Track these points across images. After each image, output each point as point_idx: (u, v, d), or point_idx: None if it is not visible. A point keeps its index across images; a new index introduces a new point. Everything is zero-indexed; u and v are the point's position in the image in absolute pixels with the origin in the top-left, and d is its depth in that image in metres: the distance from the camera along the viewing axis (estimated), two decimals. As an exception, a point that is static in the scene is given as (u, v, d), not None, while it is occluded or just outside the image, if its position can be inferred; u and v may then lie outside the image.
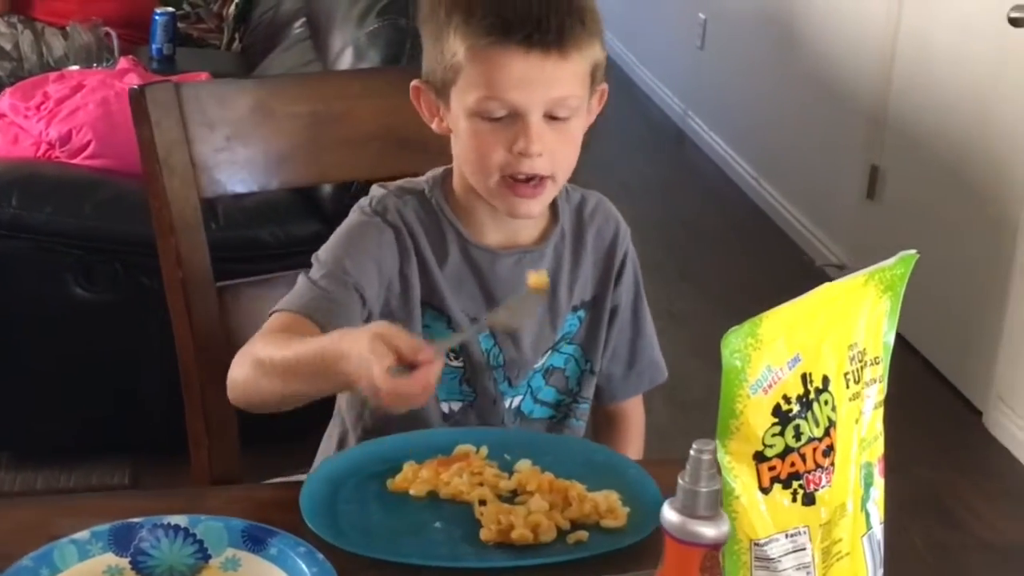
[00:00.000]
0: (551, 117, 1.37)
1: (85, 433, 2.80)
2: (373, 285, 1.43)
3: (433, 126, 1.46)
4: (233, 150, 1.69)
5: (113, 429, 2.79)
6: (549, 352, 1.51)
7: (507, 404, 1.50)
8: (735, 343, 1.00)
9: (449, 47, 1.37)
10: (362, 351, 1.18)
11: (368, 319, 1.43)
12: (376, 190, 1.51)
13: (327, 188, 2.63)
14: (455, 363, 1.47)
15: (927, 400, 3.34)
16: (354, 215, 1.49)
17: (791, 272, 4.15)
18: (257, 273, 1.73)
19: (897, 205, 3.81)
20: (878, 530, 1.14)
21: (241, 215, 2.60)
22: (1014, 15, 3.02)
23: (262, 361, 1.31)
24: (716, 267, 4.09)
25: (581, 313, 1.52)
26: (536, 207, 1.43)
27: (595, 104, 1.45)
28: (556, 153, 1.38)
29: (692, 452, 0.94)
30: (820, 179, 4.29)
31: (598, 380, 1.56)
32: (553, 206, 1.50)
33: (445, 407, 1.48)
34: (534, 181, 1.39)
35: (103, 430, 2.80)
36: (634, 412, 1.62)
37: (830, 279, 3.56)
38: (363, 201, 1.50)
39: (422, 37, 1.45)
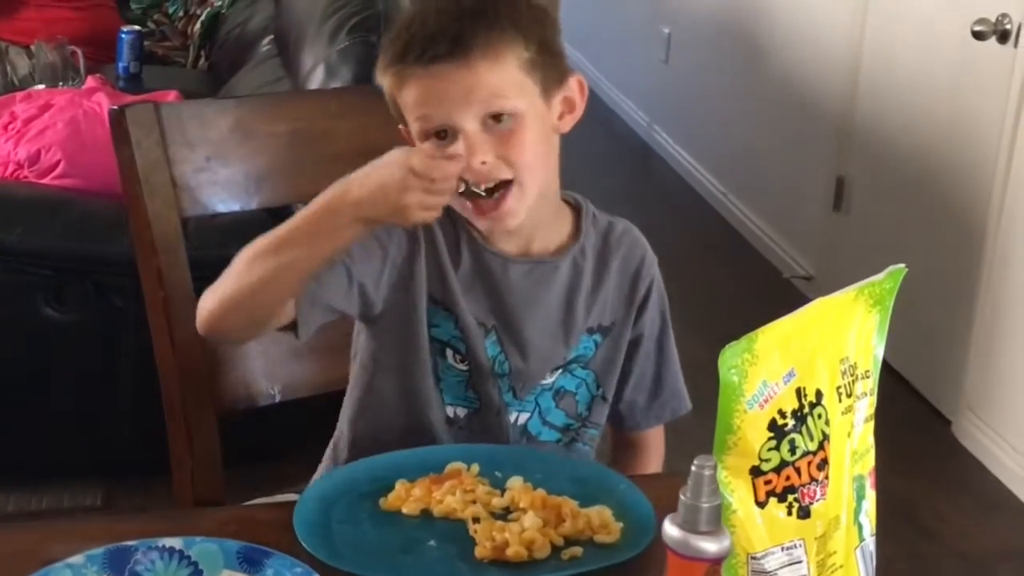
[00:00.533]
0: (494, 121, 1.37)
1: (56, 455, 2.77)
2: (374, 264, 1.42)
3: None
4: (214, 170, 1.69)
5: (84, 450, 2.77)
6: (560, 371, 1.49)
7: (512, 419, 1.49)
8: (732, 359, 1.01)
9: (386, 85, 1.42)
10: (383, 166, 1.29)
11: (362, 296, 1.43)
12: None
13: (300, 206, 2.62)
14: (461, 366, 1.47)
15: (896, 410, 3.37)
16: None
17: (759, 285, 4.18)
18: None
19: (864, 216, 3.84)
20: (870, 542, 1.16)
21: (215, 234, 2.56)
22: (977, 28, 3.07)
23: (248, 251, 1.36)
24: (684, 281, 4.10)
25: (597, 337, 1.51)
26: (508, 220, 1.41)
27: (577, 97, 1.44)
28: (509, 156, 1.37)
29: (693, 468, 0.95)
30: (787, 191, 4.32)
31: (621, 408, 1.55)
32: (576, 223, 1.50)
33: (450, 411, 1.48)
34: (496, 194, 1.38)
35: (74, 452, 2.77)
36: (655, 440, 1.60)
37: (798, 291, 3.61)
38: None
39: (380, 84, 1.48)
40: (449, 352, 1.47)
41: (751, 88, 4.59)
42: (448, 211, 1.44)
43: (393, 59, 1.39)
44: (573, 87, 1.44)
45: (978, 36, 3.06)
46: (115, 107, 1.63)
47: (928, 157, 3.49)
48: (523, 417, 1.50)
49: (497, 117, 1.37)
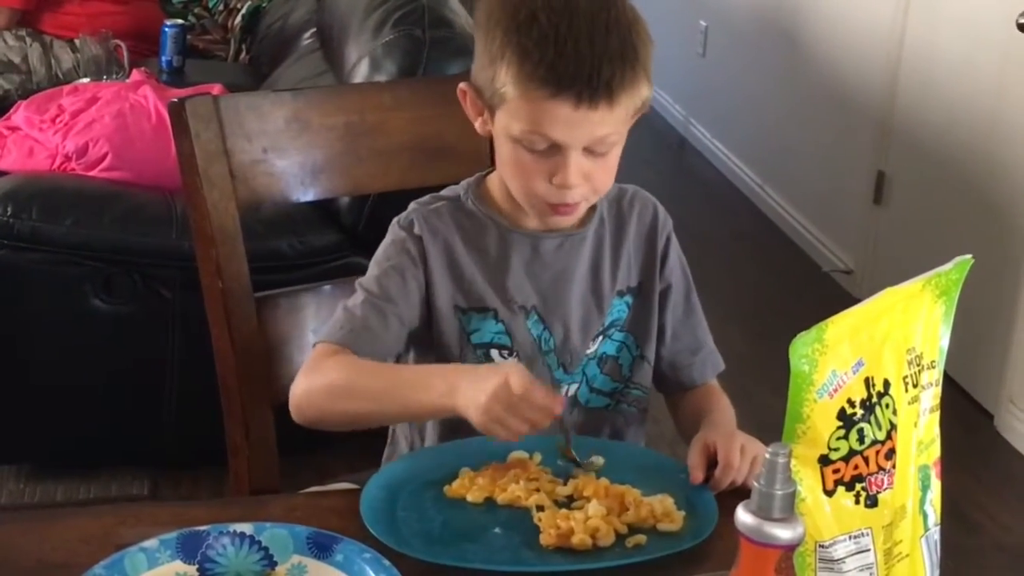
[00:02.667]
0: (591, 150, 1.40)
1: (103, 445, 2.80)
2: (412, 298, 1.47)
3: (476, 126, 1.49)
4: (270, 161, 1.71)
5: (131, 441, 2.80)
6: (601, 338, 1.52)
7: (564, 392, 1.51)
8: (803, 348, 1.02)
9: (500, 77, 1.39)
10: (485, 381, 1.27)
11: (414, 331, 1.48)
12: (411, 206, 1.54)
13: (345, 199, 2.64)
14: (510, 359, 1.49)
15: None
16: (388, 235, 1.53)
17: (798, 278, 4.18)
18: (276, 284, 1.75)
19: (905, 210, 3.83)
20: (935, 531, 1.16)
21: (260, 226, 2.60)
22: (1022, 21, 3.05)
23: (342, 385, 1.39)
24: (722, 274, 4.11)
25: (628, 299, 1.54)
26: (570, 221, 1.49)
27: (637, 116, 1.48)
28: (593, 178, 1.43)
29: (768, 455, 0.96)
30: (826, 185, 4.32)
31: (665, 369, 1.57)
32: None
33: None
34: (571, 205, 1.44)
35: (121, 442, 2.80)
36: (714, 390, 1.60)
37: (837, 285, 3.61)
38: (397, 218, 1.54)
39: (476, 41, 1.46)
40: (494, 351, 1.49)
41: (789, 82, 4.58)
42: (466, 210, 1.49)
43: (541, 82, 1.35)
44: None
45: (1023, 29, 3.05)
46: (175, 99, 1.65)
47: (970, 151, 3.47)
48: (572, 388, 1.52)
49: (597, 148, 1.40)
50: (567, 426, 1.39)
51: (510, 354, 1.49)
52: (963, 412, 3.37)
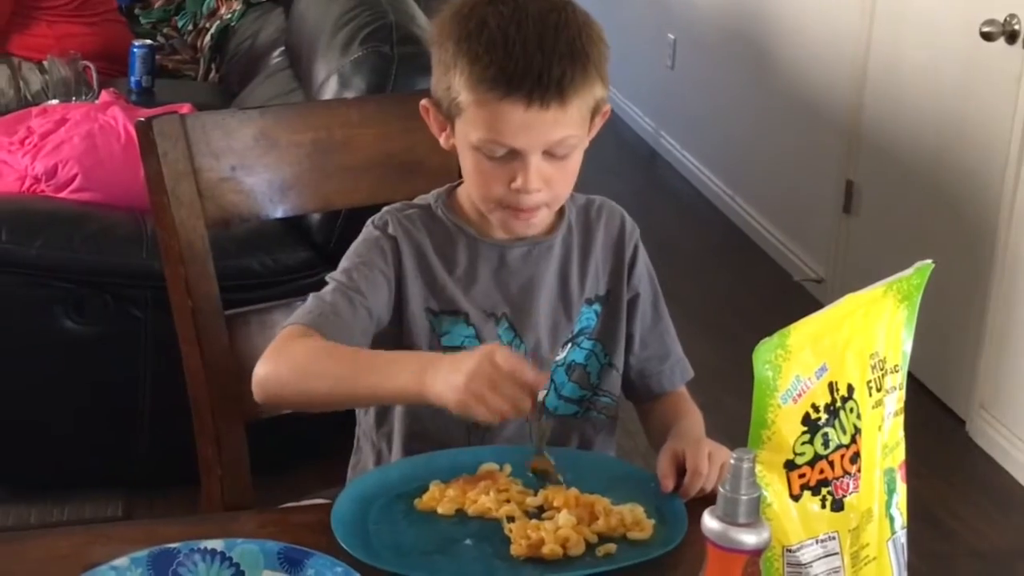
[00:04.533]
0: (550, 154, 1.42)
1: (76, 467, 2.79)
2: (382, 294, 1.48)
3: (441, 141, 1.51)
4: (238, 179, 1.71)
5: (104, 462, 2.79)
6: (569, 346, 1.53)
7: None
8: (766, 354, 1.03)
9: (454, 86, 1.42)
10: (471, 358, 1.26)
11: (381, 329, 1.48)
12: (385, 210, 1.55)
13: (316, 216, 2.65)
14: None
15: (910, 410, 3.37)
16: (361, 234, 1.54)
17: (769, 288, 4.20)
18: (247, 302, 1.75)
19: (874, 219, 3.86)
20: (902, 534, 1.17)
21: (231, 244, 2.61)
22: (985, 29, 3.08)
23: (307, 364, 1.38)
24: (694, 285, 4.12)
25: (597, 307, 1.55)
26: (532, 229, 1.50)
27: (598, 121, 1.49)
28: (553, 183, 1.44)
29: (732, 460, 0.97)
30: (796, 195, 4.34)
31: (633, 377, 1.58)
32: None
33: None
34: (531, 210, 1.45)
35: (95, 463, 2.79)
36: (682, 398, 1.60)
37: (808, 294, 3.61)
38: (371, 218, 1.55)
39: (432, 56, 1.48)
40: None
41: (758, 93, 4.61)
42: (436, 219, 1.50)
43: (491, 83, 1.37)
44: (603, 114, 1.50)
45: (987, 37, 3.08)
46: (142, 119, 1.65)
47: (937, 159, 3.50)
48: (540, 395, 1.51)
49: (556, 151, 1.42)
50: (541, 429, 1.39)
51: None
52: (934, 418, 3.39)
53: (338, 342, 1.40)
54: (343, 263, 1.51)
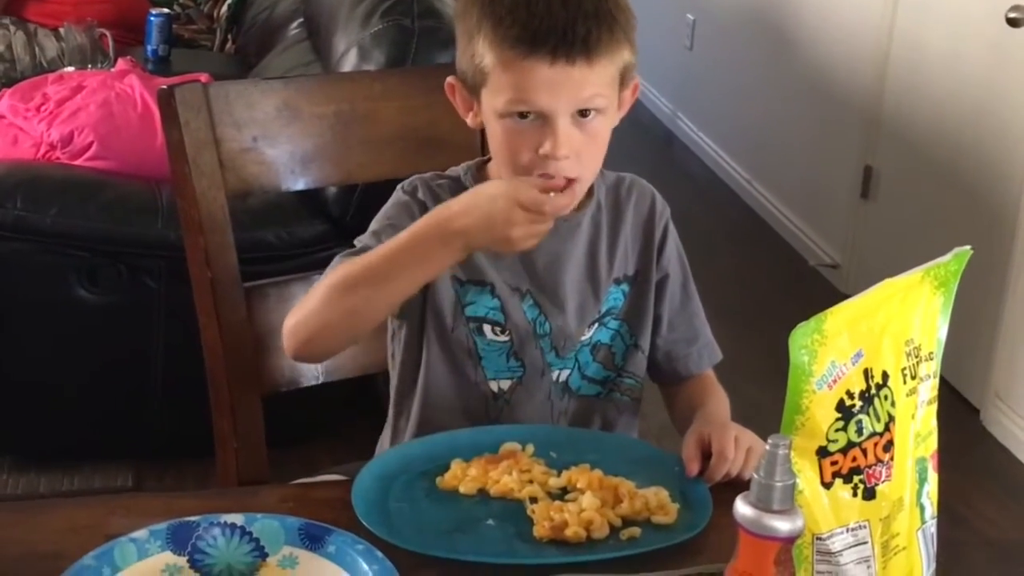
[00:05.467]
0: (580, 115, 1.39)
1: (87, 436, 2.79)
2: None
3: (468, 120, 1.48)
4: (260, 150, 1.69)
5: (115, 432, 2.78)
6: (596, 326, 1.52)
7: (555, 377, 1.50)
8: (802, 339, 1.01)
9: (478, 51, 1.40)
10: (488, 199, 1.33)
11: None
12: (414, 177, 1.54)
13: (332, 189, 2.63)
14: (502, 337, 1.49)
15: (924, 398, 3.36)
16: (391, 199, 1.53)
17: (785, 273, 4.18)
18: (263, 275, 1.73)
19: (892, 205, 3.83)
20: (931, 524, 1.16)
21: (246, 217, 2.58)
22: (1012, 15, 3.05)
23: (339, 281, 1.37)
24: (708, 268, 4.08)
25: (625, 287, 1.53)
26: (571, 203, 1.45)
27: (628, 96, 1.47)
28: (583, 155, 1.41)
29: (767, 447, 0.95)
30: (813, 179, 4.31)
31: (660, 359, 1.56)
32: None
33: (494, 385, 1.49)
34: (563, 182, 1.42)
35: (105, 433, 2.78)
36: (709, 381, 1.59)
37: (824, 279, 3.59)
38: (401, 184, 1.54)
39: (456, 33, 1.46)
40: (487, 327, 1.48)
41: (777, 75, 4.58)
42: (463, 189, 1.48)
43: (515, 41, 1.36)
44: (633, 88, 1.47)
45: (1013, 23, 3.05)
46: (164, 87, 1.63)
47: (958, 146, 3.47)
48: (564, 374, 1.51)
49: (585, 112, 1.39)
50: None
51: (503, 331, 1.48)
52: (949, 407, 3.36)
53: None
54: (372, 226, 1.49)
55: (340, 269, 1.39)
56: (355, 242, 1.48)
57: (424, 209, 1.46)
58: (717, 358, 1.60)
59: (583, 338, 1.51)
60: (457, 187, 1.51)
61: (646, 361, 1.55)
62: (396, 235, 1.38)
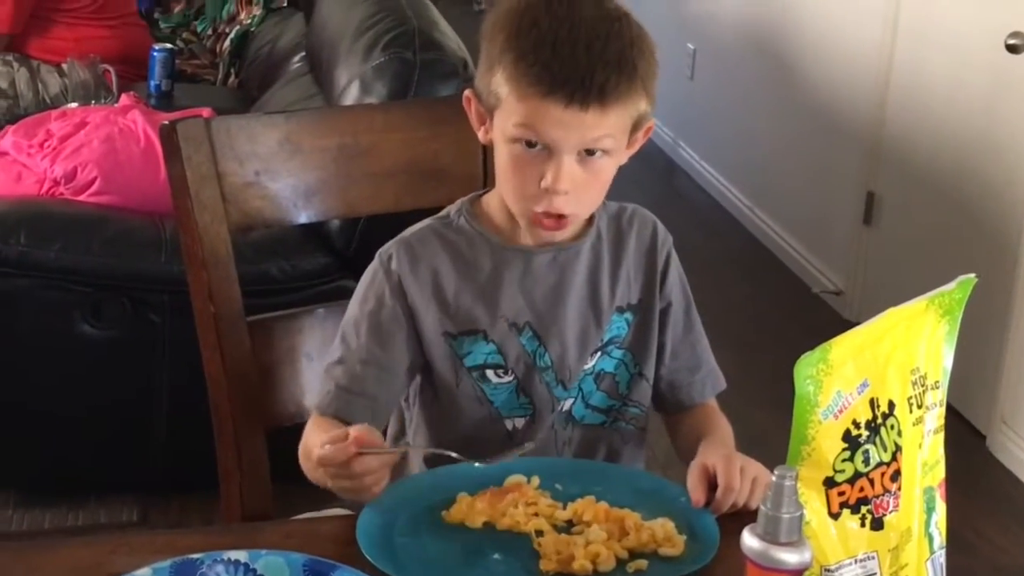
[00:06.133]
0: (586, 152, 1.40)
1: (92, 471, 2.78)
2: (398, 338, 1.48)
3: (480, 135, 1.49)
4: (262, 184, 1.69)
5: (119, 467, 2.78)
6: (599, 354, 1.51)
7: (559, 408, 1.50)
8: (807, 369, 1.01)
9: (496, 79, 1.41)
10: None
11: (413, 360, 1.49)
12: (394, 239, 1.54)
13: (335, 222, 2.63)
14: (506, 378, 1.49)
15: (931, 425, 3.35)
16: (370, 266, 1.53)
17: (788, 299, 4.17)
18: (266, 308, 1.73)
19: (895, 231, 3.83)
20: (940, 554, 1.15)
21: (249, 250, 2.59)
22: (1012, 42, 3.06)
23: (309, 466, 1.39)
24: (711, 296, 4.08)
25: (628, 316, 1.53)
26: (557, 236, 1.48)
27: (639, 138, 1.48)
28: (582, 193, 1.42)
29: (774, 478, 0.95)
30: (815, 206, 4.31)
31: (663, 388, 1.56)
32: None
33: (509, 424, 1.49)
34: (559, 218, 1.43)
35: (110, 468, 2.78)
36: (712, 410, 1.59)
37: (827, 306, 3.58)
38: (381, 248, 1.54)
39: (481, 49, 1.47)
40: (490, 372, 1.48)
41: (778, 103, 4.59)
42: (456, 231, 1.49)
43: (534, 80, 1.37)
44: (646, 130, 1.48)
45: (1012, 50, 3.05)
46: (166, 122, 1.63)
47: (960, 172, 3.47)
48: (567, 403, 1.51)
49: (591, 151, 1.40)
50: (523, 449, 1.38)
51: (505, 372, 1.48)
52: (955, 433, 3.32)
53: (364, 420, 1.39)
54: (352, 309, 1.51)
55: (312, 429, 1.42)
56: (338, 340, 1.50)
57: (398, 285, 1.48)
58: (720, 387, 1.59)
59: (586, 367, 1.51)
60: (445, 228, 1.51)
61: (651, 390, 1.55)
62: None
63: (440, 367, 1.48)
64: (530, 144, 1.39)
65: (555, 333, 1.49)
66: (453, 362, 1.48)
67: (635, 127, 1.44)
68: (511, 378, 1.48)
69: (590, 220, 1.52)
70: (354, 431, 1.27)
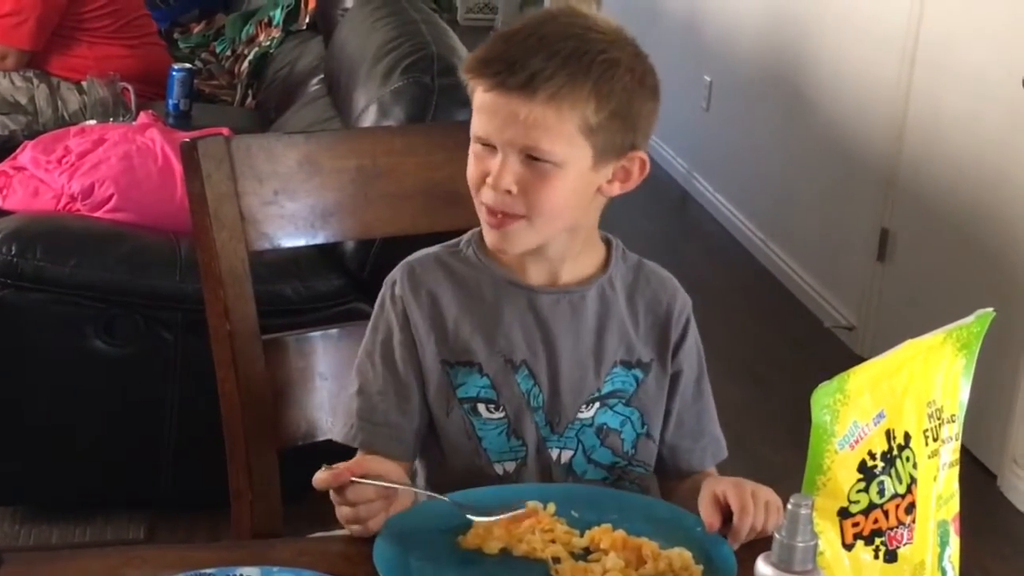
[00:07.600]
0: (533, 159, 1.39)
1: (100, 487, 2.78)
2: (411, 364, 1.47)
3: None
4: (281, 204, 1.70)
5: (128, 484, 2.77)
6: (597, 405, 1.48)
7: (555, 456, 1.47)
8: (824, 398, 1.01)
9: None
10: None
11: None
12: (402, 263, 1.54)
13: (350, 244, 2.64)
14: (497, 415, 1.46)
15: (941, 462, 3.34)
16: (378, 298, 1.53)
17: (800, 334, 4.16)
18: (280, 329, 1.73)
19: (908, 267, 3.83)
20: (954, 588, 1.15)
21: (264, 270, 2.58)
22: (1029, 80, 3.06)
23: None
24: (723, 328, 4.09)
25: (638, 373, 1.50)
26: (506, 242, 1.44)
27: (635, 171, 1.45)
28: (530, 194, 1.39)
29: (790, 507, 0.94)
30: (829, 241, 4.31)
31: (663, 452, 1.53)
32: (607, 256, 1.51)
33: (499, 468, 1.47)
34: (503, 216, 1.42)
35: (118, 484, 2.78)
36: (710, 477, 1.55)
37: (839, 341, 3.58)
38: (390, 274, 1.54)
39: None
40: (481, 407, 1.46)
41: (793, 137, 4.59)
42: (462, 260, 1.49)
43: (472, 62, 1.41)
44: (634, 160, 1.45)
45: (1030, 87, 3.06)
46: (187, 140, 1.64)
47: (975, 209, 3.47)
48: (566, 455, 1.48)
49: (535, 157, 1.38)
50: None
51: (497, 408, 1.46)
52: (966, 472, 3.29)
53: (389, 449, 1.43)
54: (367, 336, 1.51)
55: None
56: (356, 362, 1.51)
57: (403, 312, 1.48)
58: (722, 456, 1.56)
59: (581, 415, 1.48)
60: (451, 256, 1.50)
61: (656, 451, 1.52)
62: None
63: (433, 395, 1.47)
64: (485, 144, 1.40)
65: (550, 375, 1.46)
66: (446, 391, 1.46)
67: (604, 147, 1.40)
68: (502, 415, 1.46)
69: (605, 266, 1.50)
70: (357, 460, 1.28)
